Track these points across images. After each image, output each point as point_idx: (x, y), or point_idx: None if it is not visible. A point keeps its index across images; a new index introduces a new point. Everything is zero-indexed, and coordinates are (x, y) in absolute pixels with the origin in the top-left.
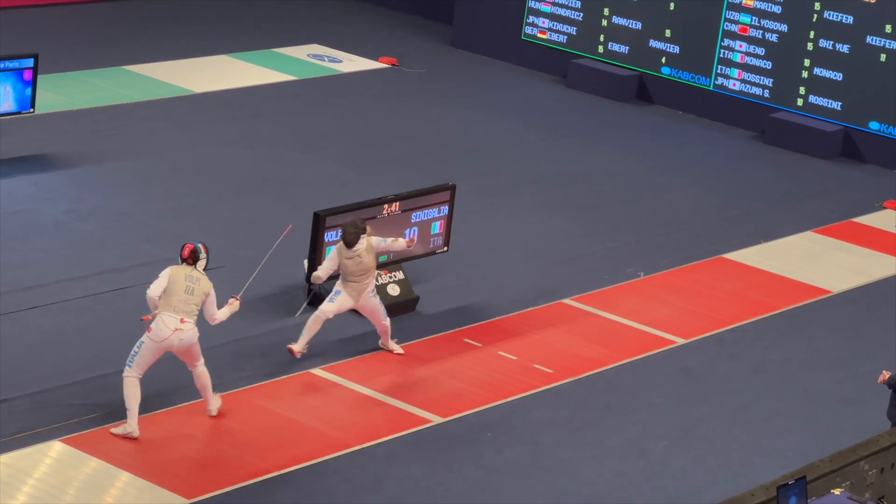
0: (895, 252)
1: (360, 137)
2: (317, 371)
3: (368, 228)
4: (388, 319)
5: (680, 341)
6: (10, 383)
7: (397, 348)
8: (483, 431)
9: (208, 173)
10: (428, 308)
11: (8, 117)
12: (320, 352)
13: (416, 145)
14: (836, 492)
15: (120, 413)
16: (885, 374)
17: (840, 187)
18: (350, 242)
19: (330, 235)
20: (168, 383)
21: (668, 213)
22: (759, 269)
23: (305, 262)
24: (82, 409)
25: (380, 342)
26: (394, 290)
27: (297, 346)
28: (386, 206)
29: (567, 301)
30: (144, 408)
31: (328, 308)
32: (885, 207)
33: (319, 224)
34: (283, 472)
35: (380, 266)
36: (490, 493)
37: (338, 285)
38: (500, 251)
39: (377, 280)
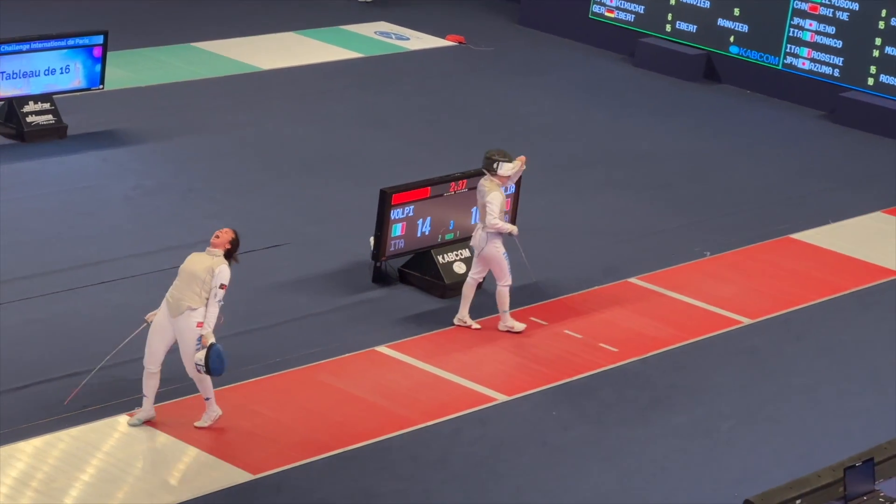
0: None
1: (426, 115)
2: (382, 349)
3: (506, 166)
4: (508, 282)
5: (746, 321)
6: (81, 358)
7: (474, 323)
8: (548, 410)
9: (275, 150)
10: (494, 286)
11: (78, 94)
12: (385, 329)
13: (482, 123)
14: None
15: (187, 388)
16: None
17: None
18: (483, 165)
19: (396, 213)
20: (232, 358)
21: (735, 192)
22: (826, 249)
23: (371, 240)
24: None
25: (456, 317)
26: (460, 268)
27: (464, 319)
28: (453, 183)
29: (633, 280)
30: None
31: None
32: None
33: (386, 201)
34: (348, 448)
35: (446, 244)
36: (555, 472)
37: (501, 247)
38: (567, 230)
39: (442, 257)
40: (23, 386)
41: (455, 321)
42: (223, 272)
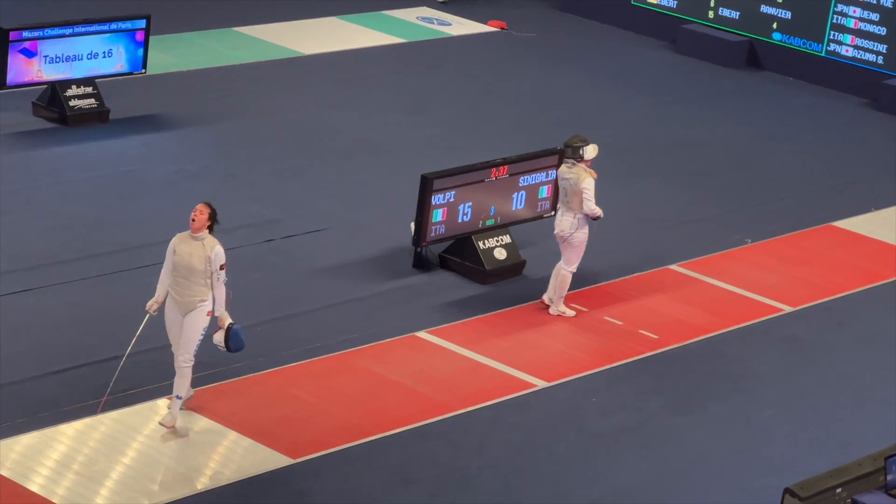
0: None
1: (468, 101)
2: (422, 334)
3: (589, 149)
4: (574, 270)
5: (787, 309)
6: (121, 341)
7: (569, 312)
8: (587, 396)
9: (316, 135)
10: (535, 272)
11: (120, 78)
12: (425, 315)
13: (523, 109)
14: None
15: (226, 373)
16: None
17: None
18: (565, 155)
19: (437, 198)
20: (272, 343)
21: (776, 179)
22: (868, 237)
23: (412, 225)
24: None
25: (551, 307)
26: (500, 254)
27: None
28: (494, 169)
29: (673, 267)
30: (251, 368)
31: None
32: None
33: (427, 187)
34: (386, 434)
35: (487, 229)
36: (593, 458)
37: (587, 233)
38: (607, 216)
39: (483, 243)
40: (64, 369)
41: (545, 298)
42: (219, 253)
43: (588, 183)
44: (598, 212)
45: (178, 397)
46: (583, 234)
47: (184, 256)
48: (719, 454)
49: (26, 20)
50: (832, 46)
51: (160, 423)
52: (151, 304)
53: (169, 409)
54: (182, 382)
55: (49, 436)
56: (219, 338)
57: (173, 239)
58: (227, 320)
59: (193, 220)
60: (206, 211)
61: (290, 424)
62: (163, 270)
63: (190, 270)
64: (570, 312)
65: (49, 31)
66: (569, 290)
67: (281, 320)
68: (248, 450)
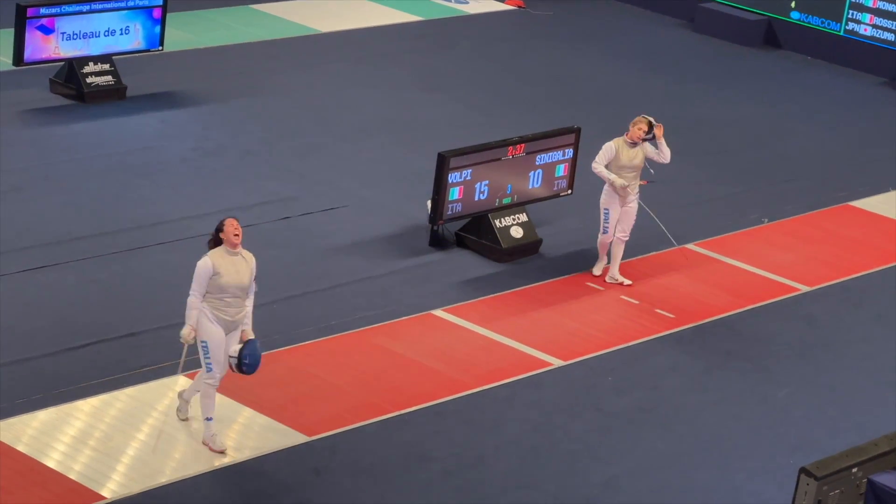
0: None
1: (485, 79)
2: (438, 312)
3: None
4: (599, 236)
5: (804, 289)
6: (136, 318)
7: (625, 280)
8: (604, 375)
9: (332, 113)
10: (551, 250)
11: (137, 55)
12: (442, 293)
13: (541, 88)
14: None
15: None
16: None
17: None
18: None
19: (454, 176)
20: (288, 320)
21: (793, 159)
22: (886, 217)
23: (429, 203)
24: None
25: (608, 275)
26: (517, 233)
27: (616, 278)
28: (510, 148)
29: (690, 246)
30: (267, 345)
31: (605, 235)
32: None
33: (444, 165)
34: (402, 412)
35: (504, 208)
36: (609, 437)
37: (605, 203)
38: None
39: (500, 221)
40: (81, 345)
41: (607, 279)
42: (255, 263)
43: (605, 144)
44: (599, 172)
45: (209, 419)
46: (602, 198)
47: (232, 275)
48: (735, 433)
49: None
50: (850, 25)
51: (211, 450)
52: (189, 334)
53: (212, 433)
54: (212, 402)
55: (66, 412)
56: (235, 348)
57: (207, 261)
58: (250, 335)
59: (237, 239)
60: (239, 226)
61: (305, 402)
62: (195, 296)
63: (242, 288)
64: (597, 270)
65: (66, 8)
66: (588, 269)
67: (297, 298)
68: (263, 427)
